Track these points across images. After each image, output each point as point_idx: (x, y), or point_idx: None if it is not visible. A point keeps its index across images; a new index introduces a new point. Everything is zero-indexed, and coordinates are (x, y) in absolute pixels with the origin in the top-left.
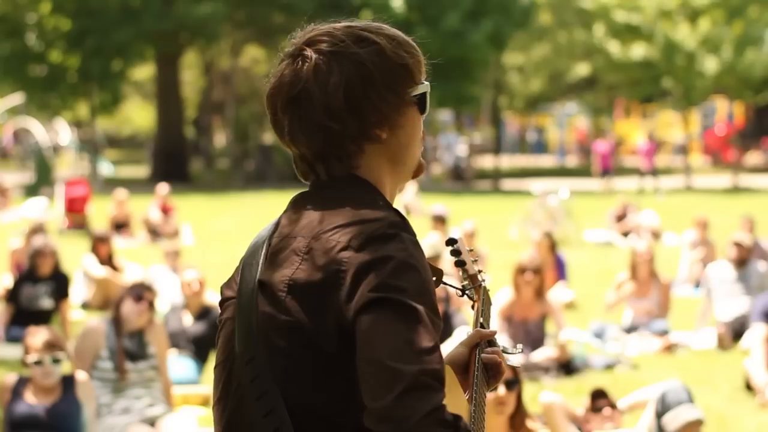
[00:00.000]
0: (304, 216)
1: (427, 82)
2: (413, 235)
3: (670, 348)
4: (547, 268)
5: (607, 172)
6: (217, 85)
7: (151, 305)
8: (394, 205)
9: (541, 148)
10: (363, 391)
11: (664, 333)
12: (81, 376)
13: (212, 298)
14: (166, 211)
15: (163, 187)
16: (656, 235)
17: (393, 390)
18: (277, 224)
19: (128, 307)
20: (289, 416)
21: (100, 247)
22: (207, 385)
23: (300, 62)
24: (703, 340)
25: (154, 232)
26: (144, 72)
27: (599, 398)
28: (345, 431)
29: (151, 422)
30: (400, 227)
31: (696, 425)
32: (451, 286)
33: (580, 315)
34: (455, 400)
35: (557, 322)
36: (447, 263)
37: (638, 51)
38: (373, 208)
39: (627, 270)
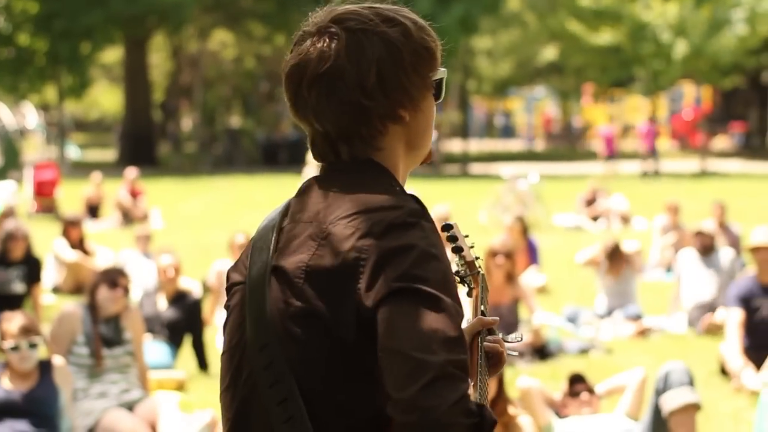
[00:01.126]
0: (319, 200)
1: (444, 69)
2: (432, 223)
3: (643, 332)
4: (520, 252)
5: (611, 156)
6: (185, 68)
7: (126, 291)
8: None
9: (508, 132)
10: (387, 382)
11: (637, 318)
12: (58, 361)
13: (185, 283)
14: (134, 194)
15: (131, 171)
16: (625, 220)
17: (419, 381)
18: (287, 207)
19: (103, 294)
20: (305, 404)
21: (71, 231)
22: (181, 370)
23: (327, 39)
24: (676, 325)
25: (126, 215)
26: (112, 55)
27: (577, 383)
28: (360, 419)
29: (129, 407)
30: (420, 215)
31: (693, 409)
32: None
33: (553, 299)
34: None
35: (529, 306)
36: None
37: (605, 37)
38: (392, 194)
39: (602, 255)
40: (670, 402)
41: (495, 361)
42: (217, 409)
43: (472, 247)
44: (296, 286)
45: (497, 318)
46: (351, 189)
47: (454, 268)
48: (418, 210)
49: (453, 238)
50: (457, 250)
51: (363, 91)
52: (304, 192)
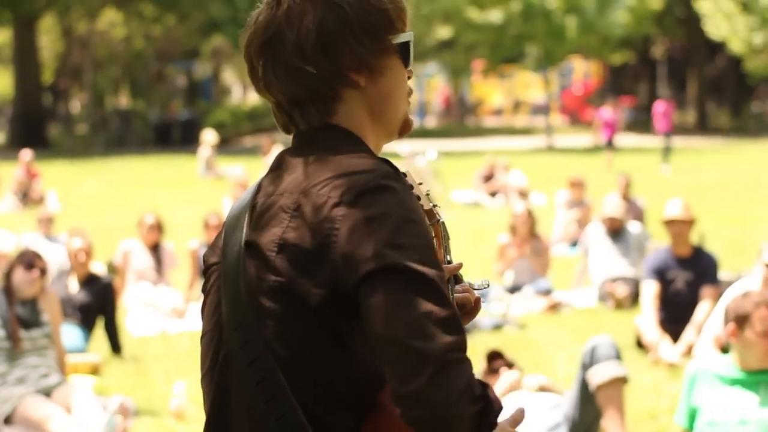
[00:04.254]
0: (288, 172)
1: (410, 32)
2: (405, 183)
3: (554, 307)
4: None
5: (611, 141)
6: (75, 49)
7: (42, 273)
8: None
9: None
10: (388, 374)
11: (547, 292)
12: None
13: (97, 267)
14: (30, 176)
15: (26, 153)
16: (523, 195)
17: (423, 373)
18: (260, 185)
19: (19, 276)
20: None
21: None
22: (94, 354)
23: (275, 7)
24: (584, 299)
25: (24, 198)
26: (0, 37)
27: (495, 359)
28: (341, 391)
29: (47, 392)
30: (391, 177)
31: (621, 382)
32: None
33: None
34: None
35: None
36: None
37: (496, 15)
38: (361, 158)
39: (507, 232)
40: (597, 376)
41: (468, 310)
42: (131, 394)
43: (428, 194)
44: (270, 261)
45: (461, 262)
46: (320, 157)
47: None
48: (390, 172)
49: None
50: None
51: (302, 55)
52: (274, 167)
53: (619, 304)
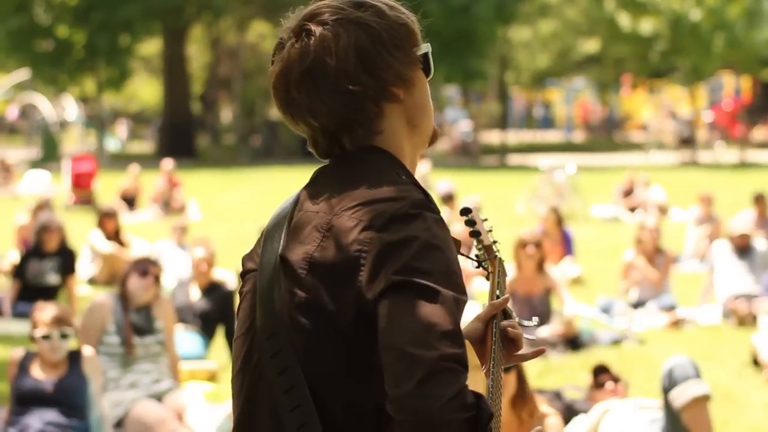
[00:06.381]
0: (325, 191)
1: (427, 43)
2: (437, 212)
3: (676, 323)
4: (555, 243)
5: None
6: (224, 60)
7: (156, 280)
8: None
9: (547, 123)
10: (385, 378)
11: (671, 308)
12: (87, 351)
13: (220, 274)
14: (172, 186)
15: (168, 162)
16: (663, 211)
17: (413, 377)
18: (298, 198)
19: (134, 283)
20: (311, 393)
21: (107, 223)
22: (213, 361)
23: (305, 37)
24: (709, 316)
25: (165, 207)
26: (151, 47)
27: (601, 374)
28: (365, 410)
29: (158, 397)
30: (423, 206)
31: (703, 400)
32: (466, 256)
33: (588, 290)
34: (473, 376)
35: (560, 297)
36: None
37: (646, 26)
38: (396, 184)
39: (633, 245)
40: (679, 398)
41: (512, 346)
42: None
43: (490, 231)
44: (299, 277)
45: (507, 296)
46: (356, 179)
47: (473, 252)
48: (421, 200)
49: (471, 222)
50: (475, 234)
51: (347, 77)
52: (313, 182)
53: (742, 322)
